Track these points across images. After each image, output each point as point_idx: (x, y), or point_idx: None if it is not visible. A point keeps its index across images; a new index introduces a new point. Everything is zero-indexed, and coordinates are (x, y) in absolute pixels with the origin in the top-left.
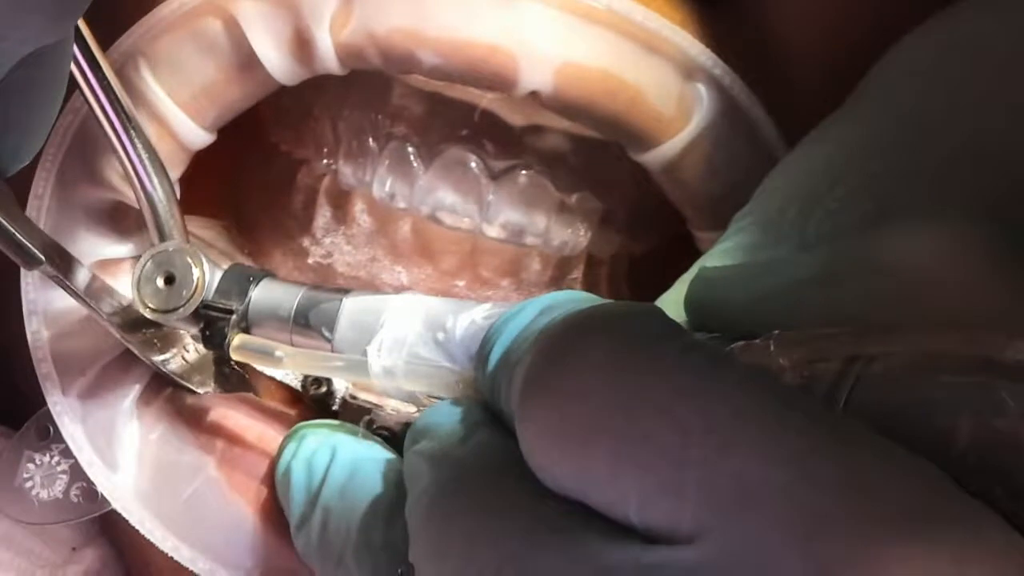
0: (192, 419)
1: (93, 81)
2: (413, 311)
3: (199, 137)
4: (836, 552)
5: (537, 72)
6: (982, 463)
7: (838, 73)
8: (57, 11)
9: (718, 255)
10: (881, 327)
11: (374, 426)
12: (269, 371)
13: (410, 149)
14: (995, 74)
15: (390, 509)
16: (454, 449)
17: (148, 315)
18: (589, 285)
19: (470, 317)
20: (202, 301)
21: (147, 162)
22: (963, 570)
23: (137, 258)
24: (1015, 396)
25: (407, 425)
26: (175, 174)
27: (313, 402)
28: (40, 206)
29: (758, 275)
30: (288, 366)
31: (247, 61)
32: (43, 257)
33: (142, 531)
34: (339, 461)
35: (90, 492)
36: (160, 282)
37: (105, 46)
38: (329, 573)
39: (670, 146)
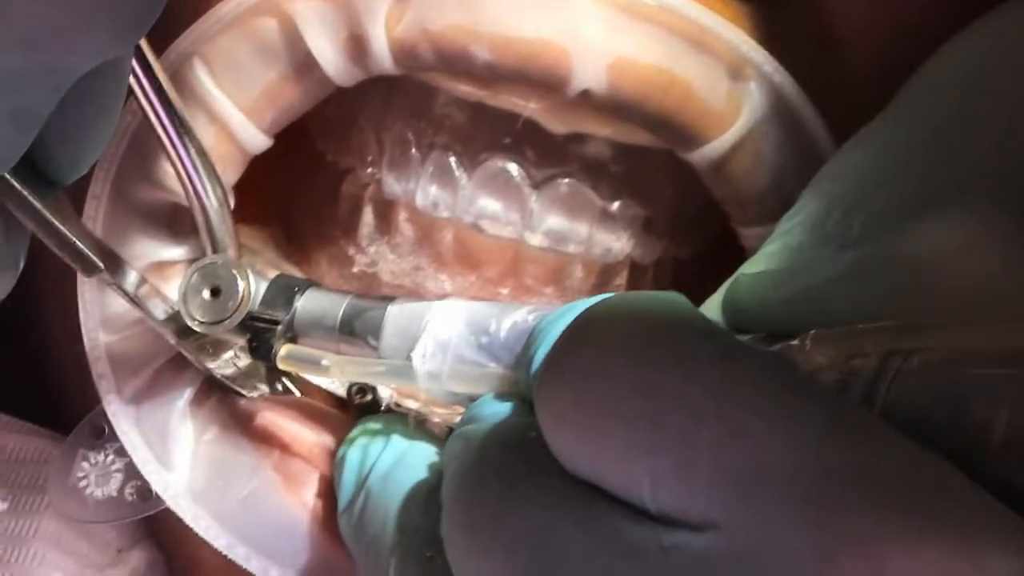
0: (246, 422)
1: (148, 87)
2: (456, 315)
3: (258, 140)
4: (841, 538)
5: (589, 68)
6: (1018, 452)
7: (893, 73)
8: (125, 26)
9: (763, 258)
10: (916, 322)
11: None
12: (316, 379)
13: (452, 158)
14: None
15: (428, 495)
16: (490, 433)
17: (195, 327)
18: (633, 291)
19: (512, 319)
20: (248, 312)
21: (201, 169)
22: (967, 562)
23: (191, 262)
24: None
25: (452, 431)
26: (232, 178)
27: (358, 410)
28: (97, 206)
29: (792, 276)
30: (334, 374)
31: (304, 62)
32: (102, 265)
33: (196, 529)
34: (390, 448)
35: (144, 490)
36: (206, 294)
37: (159, 48)
38: (362, 553)
39: (719, 143)
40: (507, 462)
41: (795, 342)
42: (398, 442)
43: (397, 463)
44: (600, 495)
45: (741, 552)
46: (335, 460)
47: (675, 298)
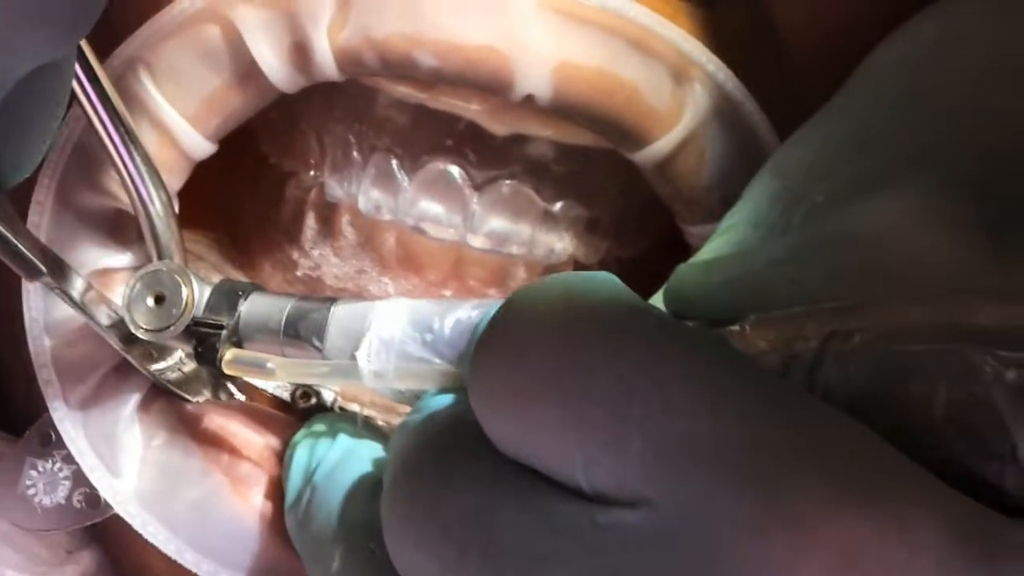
0: (194, 427)
1: (91, 93)
2: (399, 313)
3: (201, 147)
4: (770, 511)
5: (533, 73)
6: (960, 427)
7: (835, 68)
8: (67, 26)
9: (707, 254)
10: (854, 303)
11: None
12: (262, 383)
13: (394, 161)
14: (982, 68)
15: (372, 488)
16: (429, 420)
17: (140, 335)
18: None
19: (456, 316)
20: (192, 318)
21: (145, 176)
22: (895, 529)
23: (136, 269)
24: (987, 360)
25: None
26: (176, 184)
27: (303, 413)
28: (42, 213)
29: (732, 262)
30: (280, 377)
31: (248, 69)
32: (44, 268)
33: (145, 535)
34: (337, 445)
35: (92, 497)
36: (150, 301)
37: (103, 53)
38: (307, 547)
39: (664, 143)
40: (442, 447)
41: (735, 327)
42: (345, 440)
43: (343, 459)
44: (534, 475)
45: (673, 528)
46: (285, 457)
47: (605, 277)
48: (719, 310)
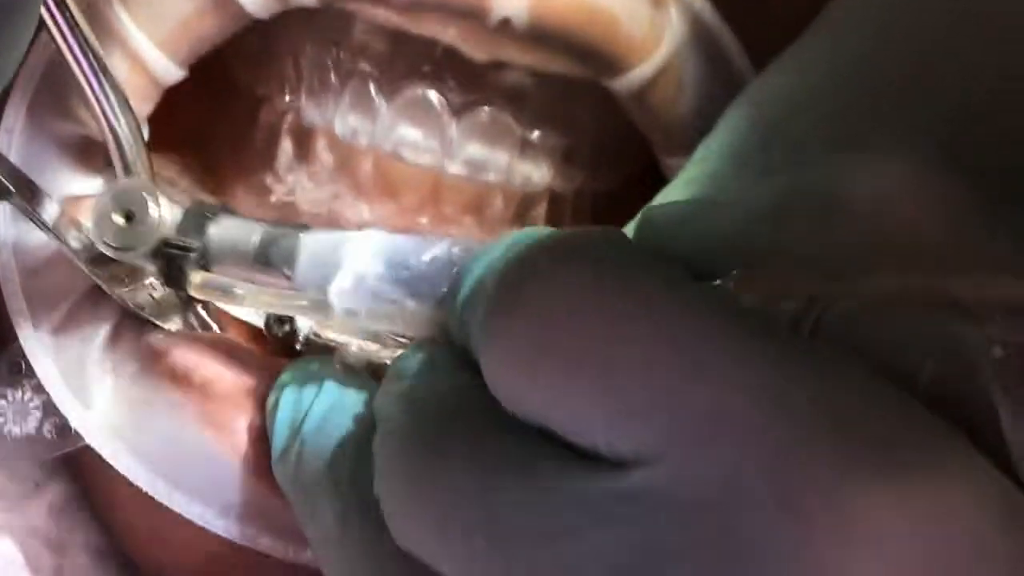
0: (166, 360)
1: (59, 18)
2: (374, 248)
3: (172, 73)
4: (803, 482)
5: None
6: (944, 399)
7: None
8: None
9: (681, 185)
10: (841, 268)
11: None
12: (231, 309)
13: (372, 85)
14: (963, 8)
15: (359, 446)
16: (420, 389)
17: (108, 252)
18: (552, 222)
19: (433, 252)
20: (162, 239)
21: (113, 100)
22: (938, 512)
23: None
24: (975, 335)
25: (371, 364)
26: (146, 109)
27: (276, 341)
28: (10, 140)
29: (706, 214)
30: (249, 304)
31: None
32: (12, 188)
33: (116, 466)
34: (323, 395)
35: (63, 428)
36: (120, 219)
37: None
38: (300, 505)
39: (641, 71)
40: (439, 423)
41: (718, 282)
42: (331, 388)
43: (330, 411)
44: (547, 444)
45: (700, 497)
46: (268, 405)
47: (616, 234)
48: (695, 263)
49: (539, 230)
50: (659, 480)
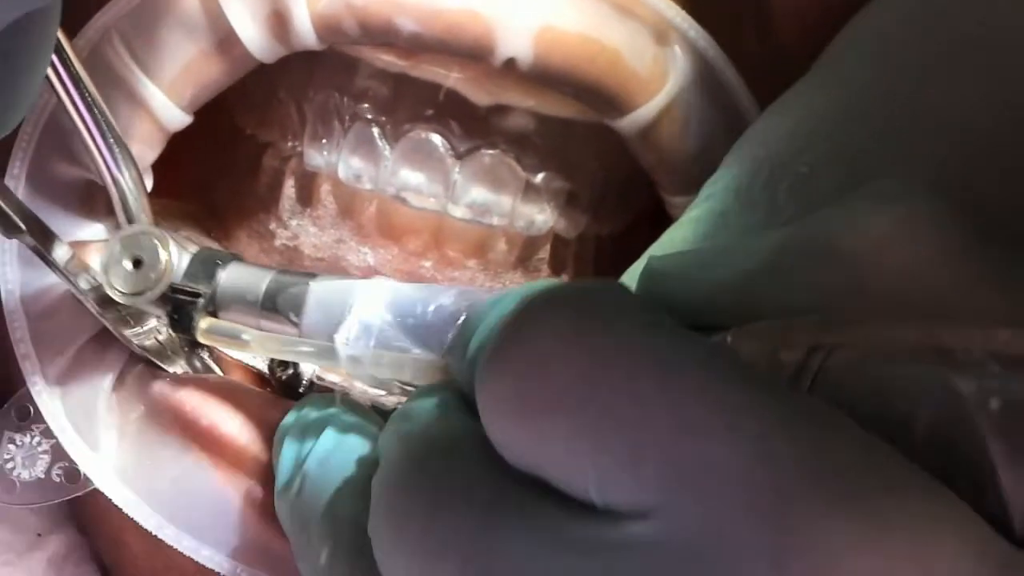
0: (172, 403)
1: (61, 70)
2: (381, 296)
3: (178, 118)
4: (793, 536)
5: (515, 38)
6: (941, 450)
7: (816, 37)
8: None
9: (687, 223)
10: (839, 318)
11: None
12: (237, 354)
13: (375, 130)
14: (963, 42)
15: (361, 485)
16: (423, 430)
17: (117, 298)
18: (555, 265)
19: (438, 302)
20: (170, 284)
21: (116, 151)
22: (918, 551)
23: (107, 241)
24: (971, 386)
25: (374, 406)
26: (152, 156)
27: (280, 384)
28: (16, 186)
29: (707, 266)
30: (255, 350)
31: (226, 38)
32: (23, 225)
33: (125, 510)
34: (329, 432)
35: (72, 472)
36: (128, 264)
37: (77, 24)
38: (296, 539)
39: (647, 109)
40: (439, 463)
41: (718, 337)
42: (337, 425)
43: (335, 448)
44: (541, 490)
45: (691, 549)
46: (275, 439)
47: (617, 287)
48: (699, 316)
49: (552, 283)
50: (652, 532)
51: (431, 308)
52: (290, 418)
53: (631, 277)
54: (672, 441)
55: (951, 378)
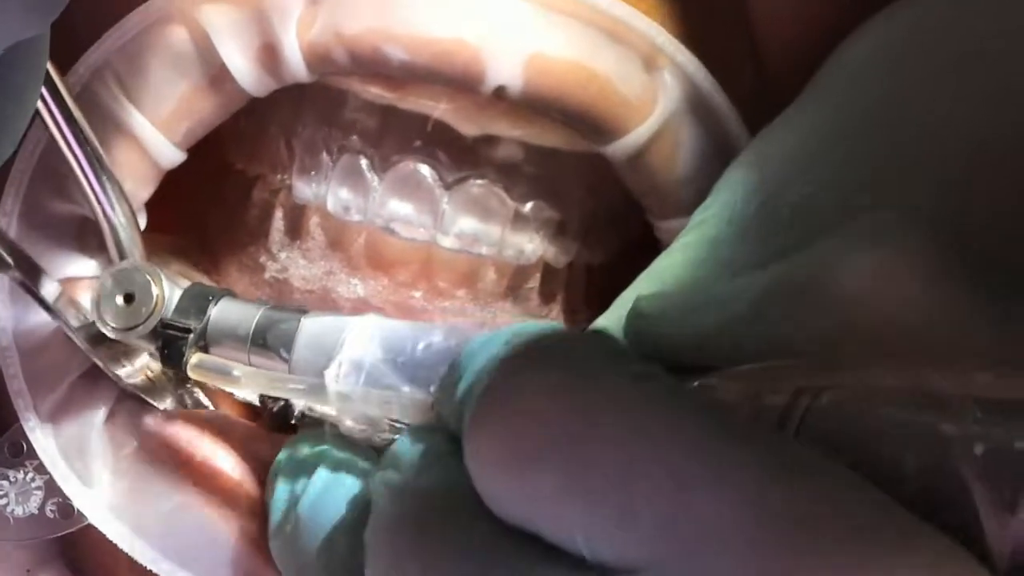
0: (164, 438)
1: (54, 108)
2: (372, 334)
3: (172, 155)
4: None
5: (505, 65)
6: (927, 494)
7: (805, 62)
8: (38, 2)
9: (679, 249)
10: (826, 361)
11: None
12: (227, 389)
13: (363, 161)
14: (952, 65)
15: (351, 532)
16: (414, 480)
17: (108, 333)
18: (545, 294)
19: (429, 339)
20: (161, 319)
21: (109, 189)
22: None
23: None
24: (956, 432)
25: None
26: (145, 194)
27: (271, 416)
28: (9, 223)
29: (695, 309)
30: (245, 386)
31: (217, 72)
32: (11, 261)
33: (120, 545)
34: (321, 471)
35: (65, 508)
36: (120, 300)
37: (69, 61)
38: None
39: (636, 135)
40: (432, 516)
41: (705, 380)
42: (329, 464)
43: (327, 489)
44: (527, 545)
45: None
46: (268, 478)
47: (603, 338)
48: (686, 358)
49: (539, 325)
50: None
51: (421, 346)
52: (282, 456)
53: (621, 306)
54: (660, 498)
55: (936, 423)
